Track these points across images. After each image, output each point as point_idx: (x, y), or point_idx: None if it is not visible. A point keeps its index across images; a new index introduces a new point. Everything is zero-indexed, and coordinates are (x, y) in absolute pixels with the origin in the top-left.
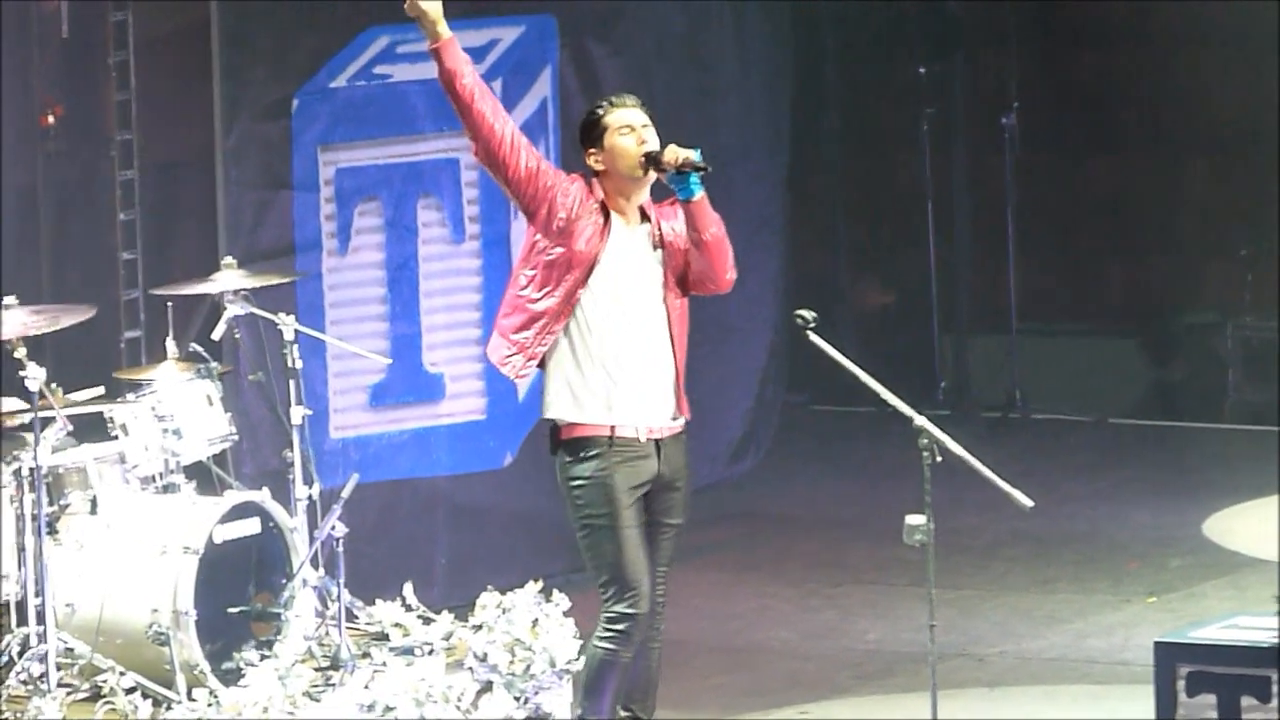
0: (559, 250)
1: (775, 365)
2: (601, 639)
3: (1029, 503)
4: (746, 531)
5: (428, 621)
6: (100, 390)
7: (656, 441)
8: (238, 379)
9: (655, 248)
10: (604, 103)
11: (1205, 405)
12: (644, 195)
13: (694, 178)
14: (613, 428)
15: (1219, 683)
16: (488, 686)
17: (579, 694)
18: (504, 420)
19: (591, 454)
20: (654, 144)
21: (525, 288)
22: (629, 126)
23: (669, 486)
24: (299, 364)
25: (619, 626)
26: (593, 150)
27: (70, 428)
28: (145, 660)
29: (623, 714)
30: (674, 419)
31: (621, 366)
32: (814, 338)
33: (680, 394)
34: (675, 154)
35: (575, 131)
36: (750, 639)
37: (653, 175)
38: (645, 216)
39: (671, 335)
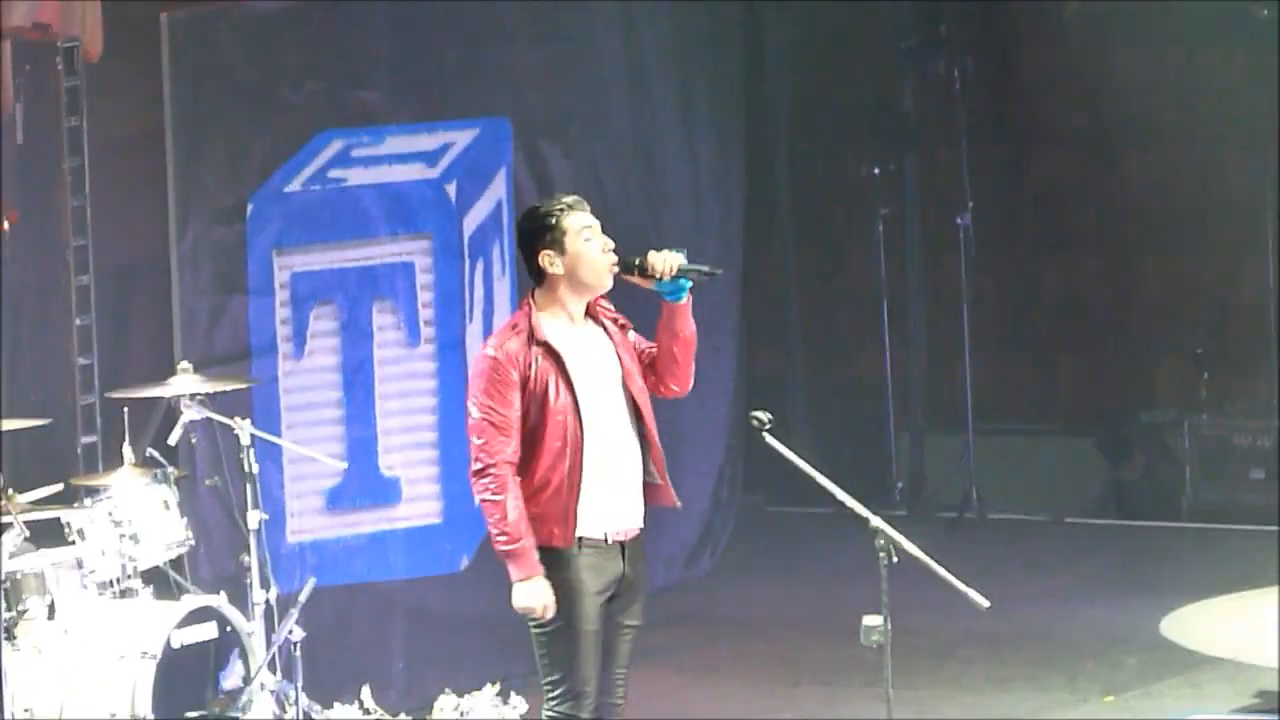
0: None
1: (730, 467)
2: None
3: (985, 602)
4: (704, 633)
5: None
6: (58, 487)
7: (621, 544)
8: (194, 484)
9: (608, 350)
10: (557, 205)
11: (1161, 504)
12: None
13: (684, 281)
14: (580, 538)
15: None
16: None
17: None
18: (460, 523)
19: (558, 559)
20: (609, 242)
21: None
22: (590, 229)
23: (631, 588)
24: (255, 468)
25: None
26: (549, 252)
27: (27, 533)
28: None
29: None
30: (640, 521)
31: (588, 480)
32: (769, 439)
33: (663, 482)
34: (667, 263)
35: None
36: None
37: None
38: (588, 311)
39: (641, 441)
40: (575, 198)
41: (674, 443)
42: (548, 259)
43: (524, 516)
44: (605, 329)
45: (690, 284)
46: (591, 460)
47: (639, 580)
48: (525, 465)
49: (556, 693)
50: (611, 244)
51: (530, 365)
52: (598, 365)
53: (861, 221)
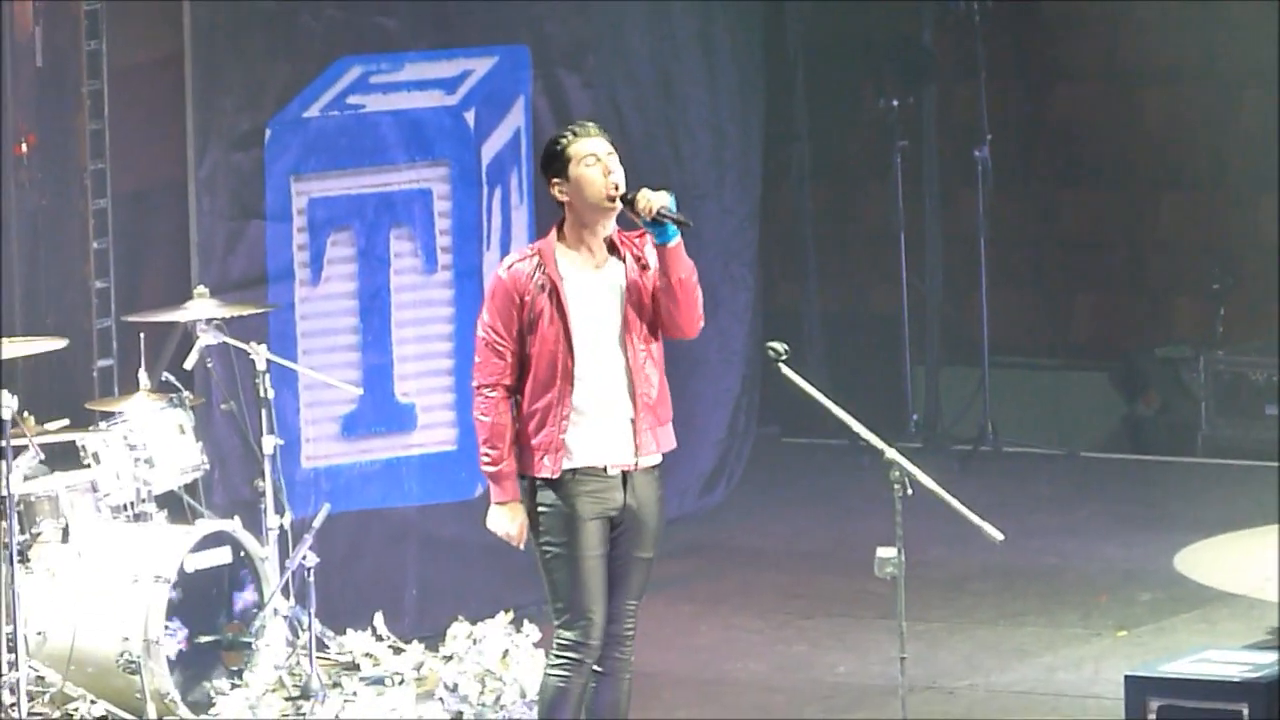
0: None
1: (746, 398)
2: (553, 667)
3: (999, 536)
4: (716, 564)
5: (398, 651)
6: (64, 422)
7: (625, 473)
8: (210, 408)
9: (616, 288)
10: (566, 132)
11: (1177, 439)
12: (610, 226)
13: (670, 226)
14: (575, 469)
15: (1190, 717)
16: (458, 717)
17: None
18: (475, 451)
19: (553, 487)
20: (619, 174)
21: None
22: (594, 155)
23: (636, 519)
24: (271, 394)
25: (570, 654)
26: (556, 180)
27: (42, 456)
28: (116, 689)
29: None
30: (641, 455)
31: (578, 411)
32: (785, 370)
33: (653, 432)
34: (649, 201)
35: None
36: (719, 671)
37: (619, 207)
38: (614, 248)
39: (632, 380)
40: (588, 124)
41: (690, 372)
42: (557, 187)
43: (508, 440)
44: (625, 265)
45: (677, 229)
46: (582, 393)
47: (645, 512)
48: (519, 390)
49: (561, 620)
50: (617, 171)
51: (530, 292)
52: (603, 300)
53: (879, 155)
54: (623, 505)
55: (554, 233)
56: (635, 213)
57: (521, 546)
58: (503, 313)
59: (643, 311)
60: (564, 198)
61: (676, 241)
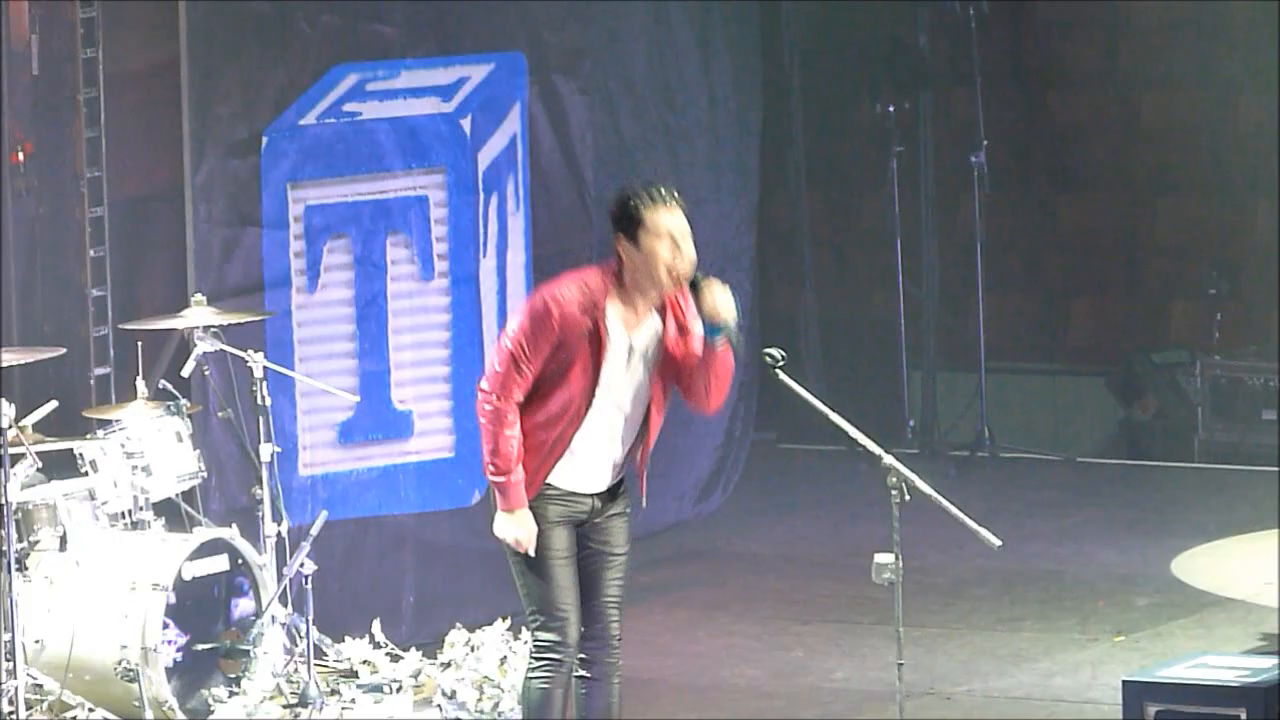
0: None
1: (743, 403)
2: (534, 671)
3: (996, 541)
4: (713, 570)
5: (396, 659)
6: (52, 405)
7: (593, 495)
8: (207, 416)
9: (650, 352)
10: (646, 194)
11: (1173, 444)
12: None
13: (719, 330)
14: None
15: None
16: None
17: None
18: (472, 458)
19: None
20: (691, 257)
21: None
22: (670, 236)
23: (606, 516)
24: (268, 401)
25: (550, 655)
26: (624, 239)
27: (39, 464)
28: (114, 696)
29: None
30: (613, 480)
31: (572, 451)
32: (782, 376)
33: (640, 480)
34: (715, 308)
35: (607, 207)
36: (716, 677)
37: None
38: (660, 305)
39: (631, 430)
40: (671, 192)
41: None
42: (623, 246)
43: (517, 452)
44: (665, 327)
45: (720, 335)
46: (583, 436)
47: (615, 508)
48: (525, 409)
49: (537, 622)
50: (689, 255)
51: (573, 333)
52: (636, 362)
53: (876, 160)
54: (590, 508)
55: (612, 275)
56: (697, 300)
57: (532, 552)
58: (539, 338)
59: (667, 376)
60: (627, 259)
61: (724, 345)
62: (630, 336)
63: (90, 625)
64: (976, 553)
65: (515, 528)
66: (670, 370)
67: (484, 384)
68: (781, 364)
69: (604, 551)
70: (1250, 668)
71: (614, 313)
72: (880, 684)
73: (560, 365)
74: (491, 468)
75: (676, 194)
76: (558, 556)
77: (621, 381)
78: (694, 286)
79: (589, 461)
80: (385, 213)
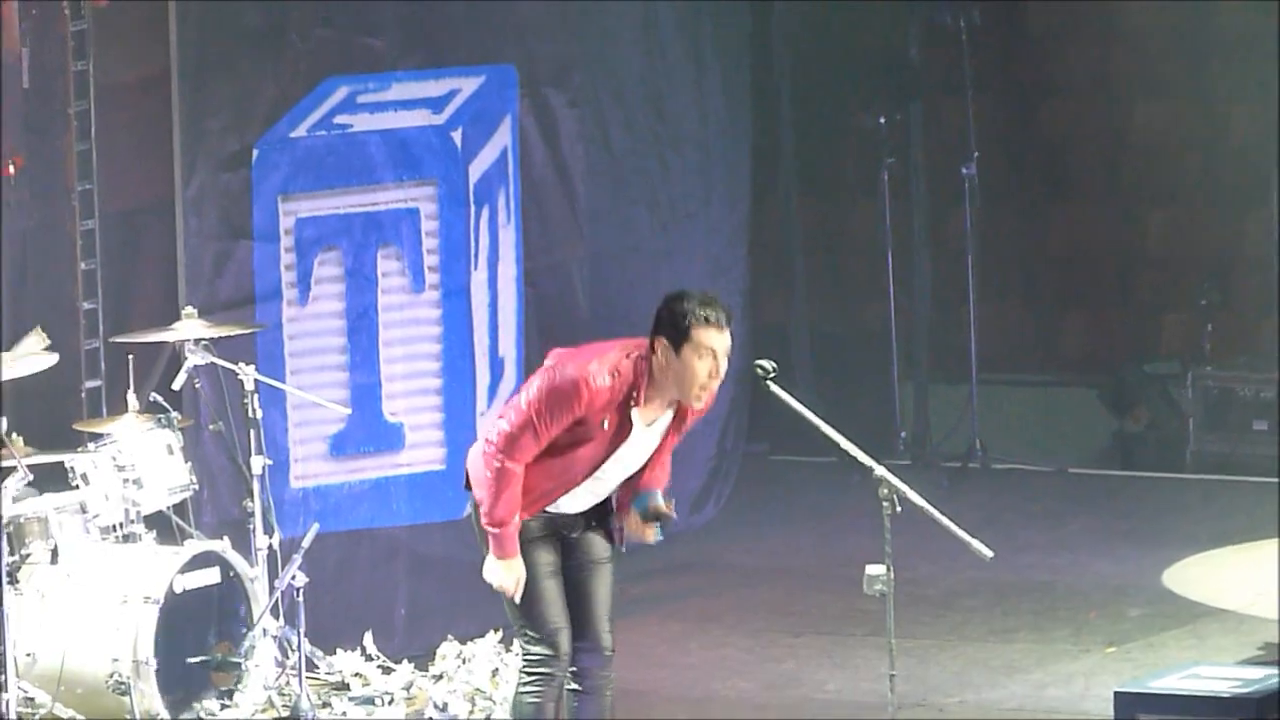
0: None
1: (735, 415)
2: (525, 685)
3: (989, 552)
4: (706, 582)
5: (388, 671)
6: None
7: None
8: (198, 429)
9: (654, 442)
10: (700, 307)
11: (1165, 455)
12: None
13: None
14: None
15: None
16: None
17: None
18: (463, 470)
19: None
20: (721, 376)
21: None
22: (711, 352)
23: (587, 528)
24: (259, 414)
25: (541, 669)
26: (665, 343)
27: (31, 477)
28: (106, 709)
29: None
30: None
31: (559, 505)
32: (774, 388)
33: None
34: (659, 511)
35: (656, 310)
36: (709, 689)
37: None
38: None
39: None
40: (723, 310)
41: None
42: (661, 347)
43: (516, 509)
44: (671, 420)
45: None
46: (568, 499)
47: (597, 520)
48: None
49: (528, 636)
50: (722, 373)
51: (597, 418)
52: (640, 453)
53: (867, 171)
54: (572, 524)
55: (644, 368)
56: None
57: (518, 599)
58: (562, 413)
59: (658, 456)
60: (662, 359)
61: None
62: (646, 430)
63: (82, 638)
64: (968, 564)
65: (505, 575)
66: (660, 455)
67: (494, 437)
68: (773, 375)
69: (588, 561)
70: (1242, 678)
71: (639, 411)
72: (872, 695)
73: (574, 439)
74: (489, 519)
75: (727, 314)
76: (544, 571)
77: (623, 468)
78: (657, 515)
79: (574, 503)
80: (376, 225)
